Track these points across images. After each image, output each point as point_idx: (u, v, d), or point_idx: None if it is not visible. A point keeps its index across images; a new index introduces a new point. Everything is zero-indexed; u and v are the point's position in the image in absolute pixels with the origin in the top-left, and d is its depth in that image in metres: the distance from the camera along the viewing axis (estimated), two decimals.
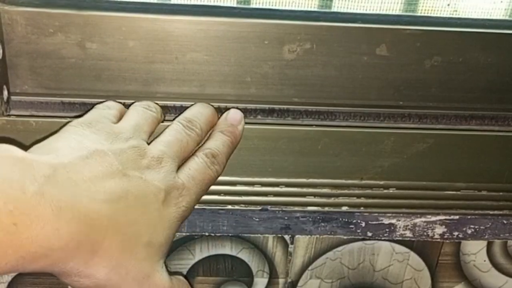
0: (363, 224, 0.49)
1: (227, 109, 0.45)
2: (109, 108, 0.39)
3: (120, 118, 0.38)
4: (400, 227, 0.50)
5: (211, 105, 0.43)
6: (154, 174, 0.34)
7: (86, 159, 0.31)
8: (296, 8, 0.45)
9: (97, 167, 0.31)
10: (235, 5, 0.44)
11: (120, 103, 0.44)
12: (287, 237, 0.51)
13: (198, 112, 0.41)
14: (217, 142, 0.40)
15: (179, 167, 0.37)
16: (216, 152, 0.39)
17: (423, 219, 0.50)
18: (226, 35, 0.43)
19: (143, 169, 0.34)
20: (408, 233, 0.50)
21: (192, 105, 0.43)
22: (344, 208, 0.48)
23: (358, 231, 0.49)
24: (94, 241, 0.30)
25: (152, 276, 0.33)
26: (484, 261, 0.54)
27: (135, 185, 0.32)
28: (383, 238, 0.51)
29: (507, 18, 0.47)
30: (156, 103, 0.42)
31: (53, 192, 0.28)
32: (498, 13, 0.46)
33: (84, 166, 0.31)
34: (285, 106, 0.46)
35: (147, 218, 0.33)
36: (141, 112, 0.39)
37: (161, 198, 0.34)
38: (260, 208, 0.47)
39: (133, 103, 0.42)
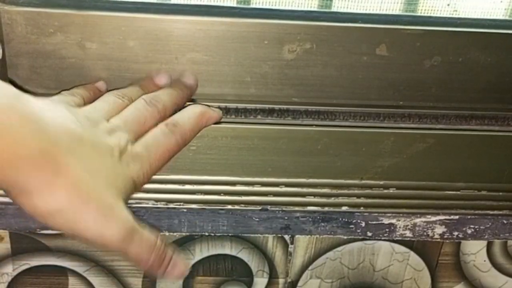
0: (363, 224, 0.49)
1: (227, 109, 0.45)
2: (73, 95, 0.39)
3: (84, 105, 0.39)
4: (400, 227, 0.50)
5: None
6: (107, 137, 0.35)
7: (45, 105, 0.33)
8: (296, 8, 0.45)
9: (58, 111, 0.33)
10: (235, 5, 0.44)
11: None
12: (287, 237, 0.51)
13: (166, 93, 0.41)
14: (183, 113, 0.40)
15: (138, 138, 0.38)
16: (178, 121, 0.39)
17: (423, 219, 0.50)
18: (226, 35, 0.43)
19: (97, 130, 0.35)
20: (408, 233, 0.50)
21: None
22: (344, 208, 0.48)
23: (358, 231, 0.49)
24: (58, 158, 0.30)
25: (115, 206, 0.33)
26: (484, 261, 0.54)
27: (91, 134, 0.34)
28: (383, 238, 0.51)
29: (507, 18, 0.47)
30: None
31: (21, 106, 0.29)
32: (498, 13, 0.47)
33: (46, 104, 0.32)
34: (285, 106, 0.46)
35: (104, 161, 0.33)
36: (106, 97, 0.40)
37: (116, 156, 0.34)
38: (260, 208, 0.47)
39: None
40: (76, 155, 0.31)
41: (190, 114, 0.41)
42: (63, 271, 0.51)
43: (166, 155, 0.39)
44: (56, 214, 0.31)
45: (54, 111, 0.32)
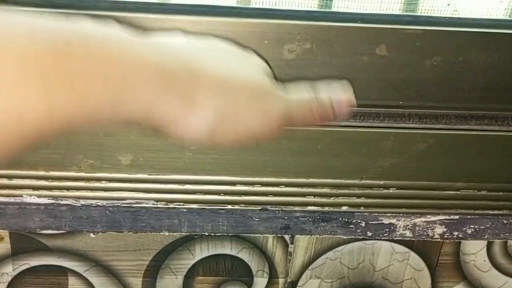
0: (363, 224, 0.49)
1: None
2: None
3: None
4: (400, 227, 0.50)
5: None
6: None
7: None
8: (296, 8, 0.45)
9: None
10: (235, 5, 0.44)
11: None
12: (287, 237, 0.51)
13: None
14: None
15: None
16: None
17: (423, 219, 0.50)
18: (226, 35, 0.43)
19: None
20: (408, 233, 0.50)
21: None
22: (344, 208, 0.48)
23: (358, 231, 0.49)
24: (189, 65, 0.29)
25: (266, 93, 0.32)
26: (484, 261, 0.54)
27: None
28: (383, 238, 0.51)
29: (507, 18, 0.47)
30: None
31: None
32: (498, 13, 0.46)
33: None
34: None
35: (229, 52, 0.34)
36: None
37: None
38: (260, 208, 0.47)
39: None
40: (201, 56, 0.30)
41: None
42: (63, 271, 0.51)
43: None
44: (220, 125, 0.29)
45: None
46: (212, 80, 0.29)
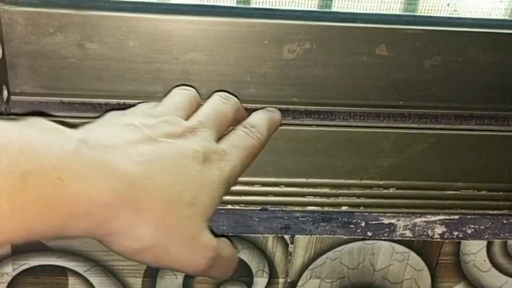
0: (363, 224, 0.49)
1: None
2: (149, 103, 0.39)
3: None
4: (400, 227, 0.50)
5: None
6: (189, 140, 0.34)
7: (116, 130, 0.32)
8: (296, 8, 0.45)
9: (128, 135, 0.32)
10: (235, 5, 0.44)
11: (120, 103, 0.45)
12: (287, 237, 0.51)
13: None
14: (254, 116, 0.41)
15: (219, 139, 0.37)
16: (254, 123, 0.39)
17: (423, 219, 0.50)
18: (226, 35, 0.43)
19: (177, 137, 0.33)
20: (408, 233, 0.50)
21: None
22: (344, 208, 0.48)
23: (358, 231, 0.49)
24: (136, 199, 0.30)
25: (199, 237, 0.33)
26: (484, 261, 0.54)
27: (169, 149, 0.32)
28: (383, 238, 0.51)
29: (507, 18, 0.47)
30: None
31: (89, 152, 0.28)
32: (498, 13, 0.46)
33: (115, 134, 0.31)
34: (285, 106, 0.46)
35: (187, 179, 0.32)
36: (178, 93, 0.39)
37: (200, 159, 0.33)
38: (260, 208, 0.47)
39: (133, 103, 0.42)
40: (153, 182, 0.31)
41: (261, 117, 0.41)
42: (63, 271, 0.51)
43: (251, 155, 0.38)
44: (144, 252, 0.31)
45: (121, 140, 0.31)
46: (156, 215, 0.31)
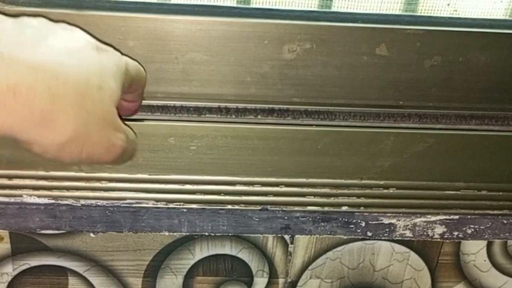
0: (363, 224, 0.49)
1: (227, 109, 0.45)
2: None
3: None
4: (400, 227, 0.50)
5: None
6: (81, 35, 0.35)
7: (24, 31, 0.32)
8: (296, 8, 0.45)
9: (33, 35, 0.32)
10: (235, 5, 0.44)
11: None
12: (287, 237, 0.51)
13: None
14: None
15: None
16: None
17: (423, 219, 0.50)
18: (226, 35, 0.43)
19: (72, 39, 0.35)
20: (408, 233, 0.50)
21: None
22: (344, 208, 0.48)
23: (358, 231, 0.49)
24: (48, 87, 0.30)
25: (113, 121, 0.34)
26: (484, 261, 0.54)
27: (69, 43, 0.33)
28: (383, 238, 0.51)
29: (507, 18, 0.47)
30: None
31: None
32: (498, 13, 0.46)
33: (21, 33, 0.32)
34: (285, 106, 0.46)
35: (90, 65, 0.33)
36: None
37: (94, 47, 0.34)
38: (260, 208, 0.47)
39: None
40: (62, 69, 0.31)
41: None
42: (63, 271, 0.51)
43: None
44: (68, 144, 0.31)
45: (25, 38, 0.32)
46: (71, 97, 0.31)
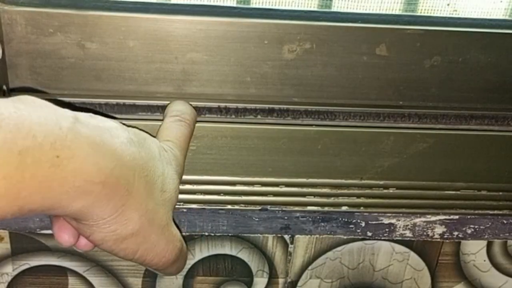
0: (363, 224, 0.49)
1: (227, 109, 0.45)
2: None
3: None
4: (400, 227, 0.50)
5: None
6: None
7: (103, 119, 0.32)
8: (296, 8, 0.45)
9: (114, 124, 0.32)
10: (235, 5, 0.44)
11: (120, 103, 0.45)
12: (287, 237, 0.51)
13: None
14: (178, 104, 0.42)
15: None
16: (182, 109, 0.41)
17: (423, 219, 0.50)
18: (226, 35, 0.43)
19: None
20: (408, 233, 0.50)
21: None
22: (344, 208, 0.48)
23: (358, 231, 0.49)
24: (127, 179, 0.30)
25: (170, 225, 0.34)
26: (484, 261, 0.54)
27: (146, 140, 0.33)
28: (383, 238, 0.51)
29: (507, 18, 0.47)
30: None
31: (84, 130, 0.28)
32: (498, 13, 0.46)
33: (103, 120, 0.31)
34: (285, 106, 0.46)
35: (157, 167, 0.33)
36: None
37: (160, 155, 0.34)
38: (260, 208, 0.47)
39: (133, 103, 0.42)
40: (139, 164, 0.31)
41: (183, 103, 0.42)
42: (63, 271, 0.51)
43: (188, 141, 0.40)
44: (127, 239, 0.31)
45: (112, 130, 0.31)
46: (142, 198, 0.31)
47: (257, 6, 0.44)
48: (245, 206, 0.47)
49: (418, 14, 0.46)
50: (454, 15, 0.46)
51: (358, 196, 0.47)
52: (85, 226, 0.30)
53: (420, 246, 0.53)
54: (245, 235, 0.50)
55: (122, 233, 0.30)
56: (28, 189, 0.25)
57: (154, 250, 0.33)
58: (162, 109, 0.43)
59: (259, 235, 0.50)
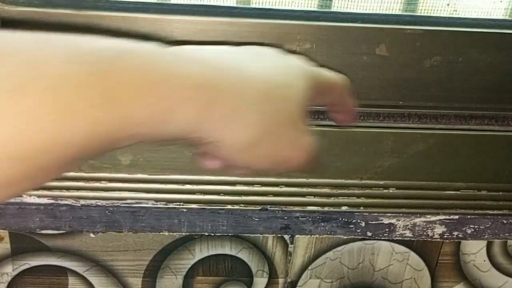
0: (363, 224, 0.49)
1: None
2: None
3: None
4: (400, 227, 0.50)
5: None
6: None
7: None
8: (296, 8, 0.45)
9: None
10: (235, 5, 0.44)
11: None
12: (286, 237, 0.51)
13: None
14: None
15: None
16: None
17: (423, 219, 0.50)
18: (226, 35, 0.43)
19: None
20: (408, 233, 0.50)
21: None
22: (344, 208, 0.48)
23: (358, 231, 0.49)
24: (234, 81, 0.28)
25: (299, 120, 0.31)
26: (484, 261, 0.54)
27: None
28: (382, 238, 0.51)
29: (507, 18, 0.47)
30: None
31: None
32: (498, 13, 0.46)
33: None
34: None
35: (274, 62, 0.32)
36: None
37: (279, 51, 0.33)
38: (260, 208, 0.47)
39: None
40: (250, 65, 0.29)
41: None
42: (63, 271, 0.51)
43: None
44: (261, 142, 0.28)
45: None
46: (257, 94, 0.28)
47: (257, 6, 0.44)
48: (245, 206, 0.47)
49: (418, 14, 0.46)
50: (454, 15, 0.46)
51: (358, 196, 0.47)
52: (210, 146, 0.28)
53: (420, 246, 0.53)
54: (245, 235, 0.50)
55: (246, 138, 0.28)
56: (127, 93, 0.24)
57: (288, 152, 0.30)
58: None
59: (259, 235, 0.50)
